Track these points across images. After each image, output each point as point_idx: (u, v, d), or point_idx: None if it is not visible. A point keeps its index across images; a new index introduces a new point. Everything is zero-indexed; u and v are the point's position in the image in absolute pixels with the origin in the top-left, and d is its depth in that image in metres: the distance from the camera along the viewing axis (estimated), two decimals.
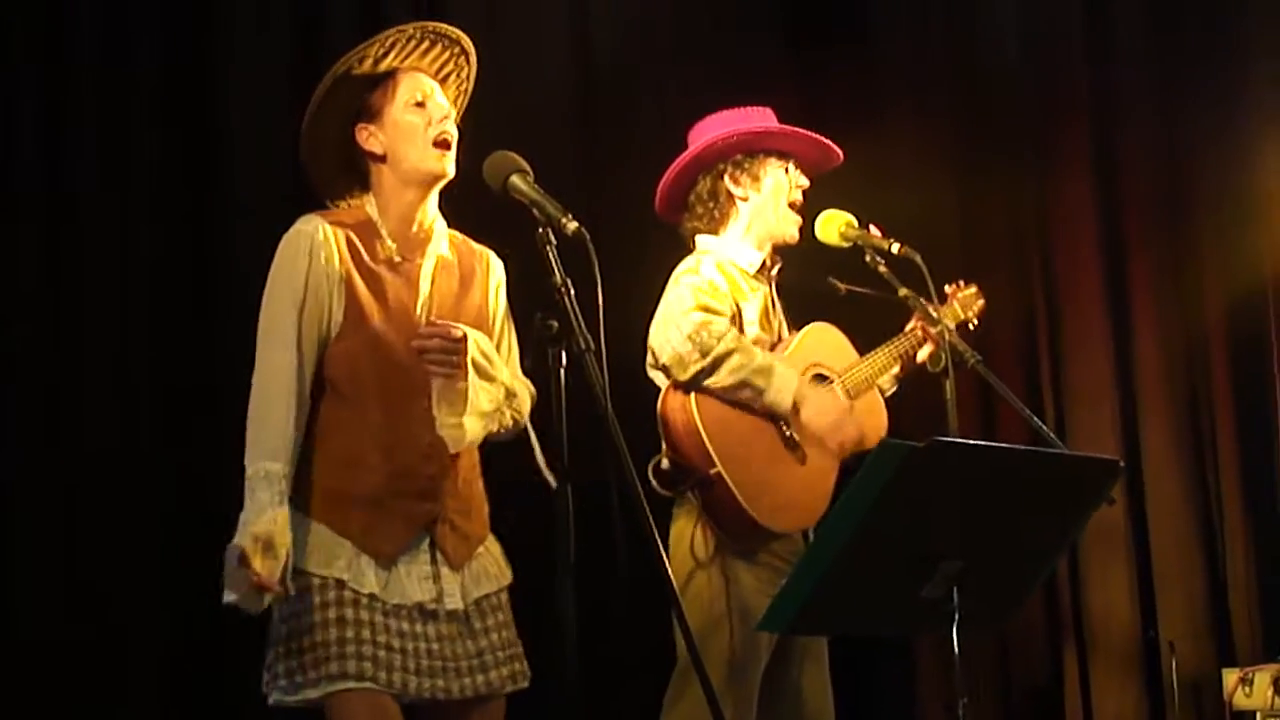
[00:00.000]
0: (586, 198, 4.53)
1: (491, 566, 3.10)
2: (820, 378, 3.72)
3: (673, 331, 3.56)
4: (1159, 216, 5.35)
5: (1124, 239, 5.36)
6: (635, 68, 5.02)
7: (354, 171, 3.13)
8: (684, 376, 3.52)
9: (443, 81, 3.16)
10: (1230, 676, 4.81)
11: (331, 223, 3.02)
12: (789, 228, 3.77)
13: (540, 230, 2.74)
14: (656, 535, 2.63)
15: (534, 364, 2.76)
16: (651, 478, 3.52)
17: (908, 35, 5.44)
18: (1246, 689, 4.75)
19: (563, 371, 2.70)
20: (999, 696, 5.19)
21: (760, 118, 3.80)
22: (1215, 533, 5.24)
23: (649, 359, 3.66)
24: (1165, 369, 5.29)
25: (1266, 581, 5.15)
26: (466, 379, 2.99)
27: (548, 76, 4.88)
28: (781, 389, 3.54)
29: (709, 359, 3.51)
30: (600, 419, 2.67)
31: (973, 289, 4.01)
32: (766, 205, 3.75)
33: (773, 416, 3.59)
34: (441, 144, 3.06)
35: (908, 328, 3.81)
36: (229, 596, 2.82)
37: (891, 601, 2.72)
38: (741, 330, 3.65)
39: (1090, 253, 5.32)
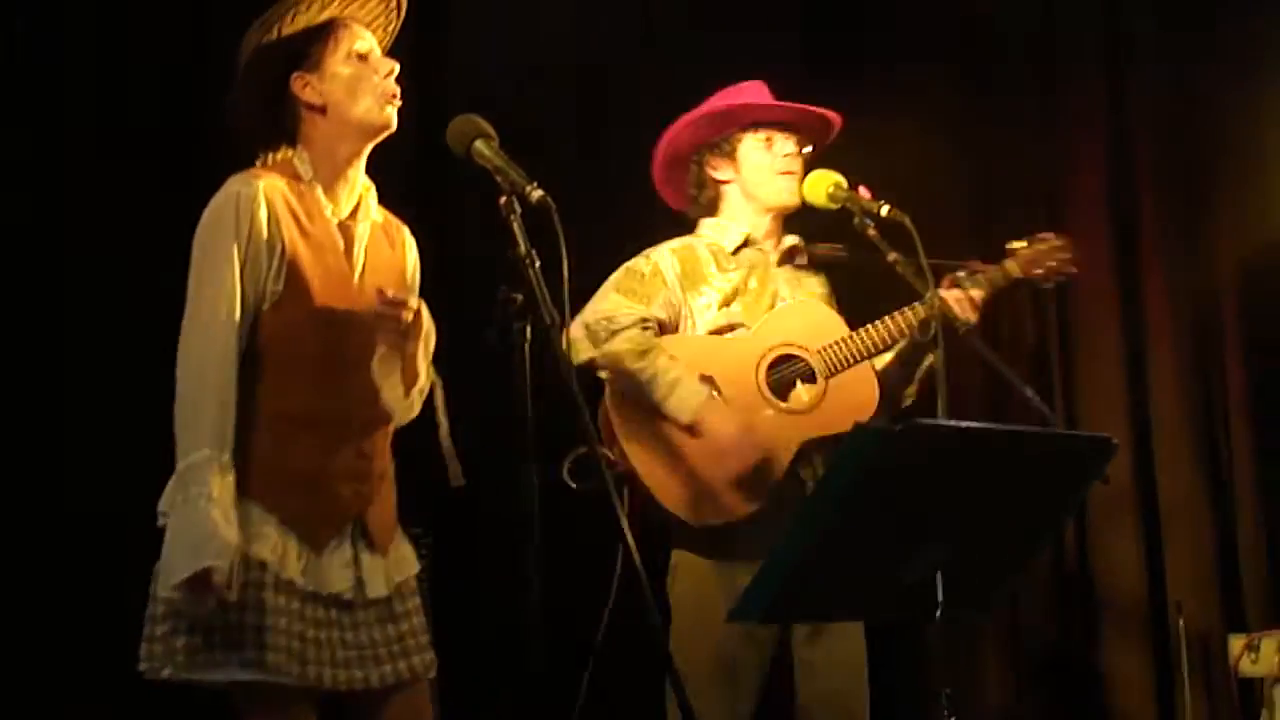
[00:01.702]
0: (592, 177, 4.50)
1: (409, 551, 3.00)
2: (786, 358, 3.63)
3: (587, 308, 3.62)
4: (1172, 174, 5.22)
5: (1136, 194, 5.23)
6: (642, 36, 4.92)
7: (279, 124, 2.97)
8: (575, 360, 3.48)
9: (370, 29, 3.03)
10: (1236, 643, 4.70)
11: (268, 182, 2.85)
12: (781, 195, 3.71)
13: (504, 199, 2.64)
14: (625, 519, 2.54)
15: (498, 338, 2.65)
16: (565, 474, 3.39)
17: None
18: (1252, 655, 4.64)
19: (527, 346, 2.62)
20: (1008, 661, 5.10)
21: (751, 93, 3.75)
22: (1225, 496, 5.12)
23: None
24: (1175, 328, 5.17)
25: (1276, 546, 5.03)
26: (418, 352, 2.90)
27: (550, 47, 4.78)
28: (680, 405, 3.50)
29: (599, 352, 3.55)
30: (565, 395, 2.58)
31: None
32: (751, 180, 3.72)
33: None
34: (390, 98, 2.95)
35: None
36: (171, 593, 2.66)
37: (871, 588, 2.62)
38: (686, 317, 3.66)
39: (1099, 209, 5.20)
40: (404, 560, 2.98)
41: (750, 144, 3.71)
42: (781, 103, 3.75)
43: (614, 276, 3.70)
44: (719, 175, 3.74)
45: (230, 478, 2.70)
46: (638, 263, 3.70)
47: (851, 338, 3.62)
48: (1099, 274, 5.15)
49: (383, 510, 2.94)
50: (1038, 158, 5.27)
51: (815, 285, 3.81)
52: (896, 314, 3.62)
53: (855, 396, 3.62)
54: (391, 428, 2.98)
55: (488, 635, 3.44)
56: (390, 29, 3.09)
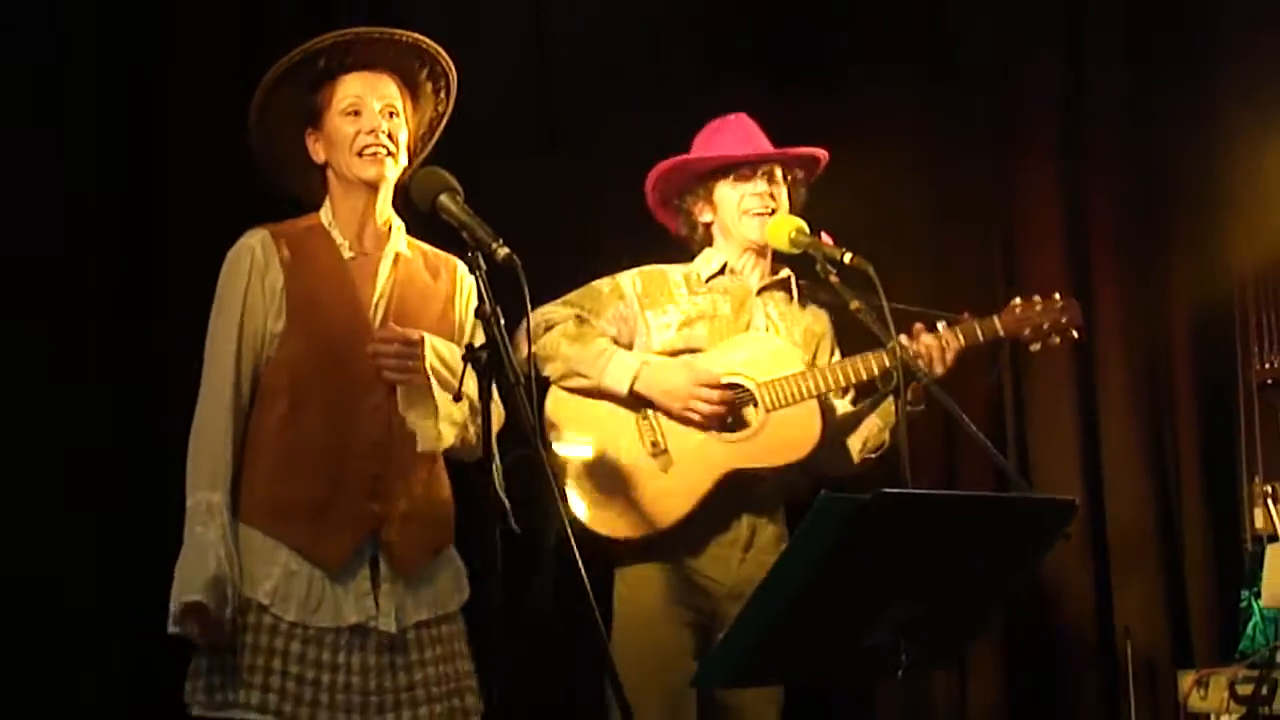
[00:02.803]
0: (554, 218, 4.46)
1: (447, 586, 3.01)
2: (732, 386, 3.62)
3: None
4: (1126, 217, 5.25)
5: (1089, 239, 5.26)
6: (601, 81, 4.83)
7: (314, 169, 3.09)
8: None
9: (404, 73, 3.07)
10: (1186, 678, 4.72)
11: (275, 233, 2.99)
12: (748, 231, 3.77)
13: (469, 255, 2.62)
14: (584, 573, 2.52)
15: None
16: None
17: (878, 34, 5.27)
18: (1202, 691, 4.66)
19: (491, 404, 2.60)
20: (955, 689, 5.12)
21: (730, 132, 3.83)
22: (1174, 532, 5.16)
23: None
24: (1128, 366, 5.20)
25: (1226, 582, 5.07)
26: (427, 380, 2.90)
27: (508, 96, 4.69)
28: (616, 374, 3.56)
29: (536, 345, 3.55)
30: (530, 452, 2.57)
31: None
32: (725, 220, 3.80)
33: (637, 421, 3.59)
34: (367, 155, 2.98)
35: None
36: (175, 628, 2.84)
37: (834, 651, 2.62)
38: (641, 333, 3.71)
39: (1055, 252, 5.22)
40: (435, 597, 3.00)
41: (724, 186, 3.79)
42: (743, 153, 3.77)
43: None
44: (702, 218, 3.84)
45: (220, 518, 2.84)
46: (600, 281, 3.79)
47: (802, 376, 3.60)
48: None
49: (410, 533, 2.96)
50: (992, 195, 5.28)
51: (809, 321, 3.82)
52: (856, 358, 3.62)
53: (792, 433, 3.60)
54: (429, 454, 2.99)
55: None
56: (441, 75, 3.13)
